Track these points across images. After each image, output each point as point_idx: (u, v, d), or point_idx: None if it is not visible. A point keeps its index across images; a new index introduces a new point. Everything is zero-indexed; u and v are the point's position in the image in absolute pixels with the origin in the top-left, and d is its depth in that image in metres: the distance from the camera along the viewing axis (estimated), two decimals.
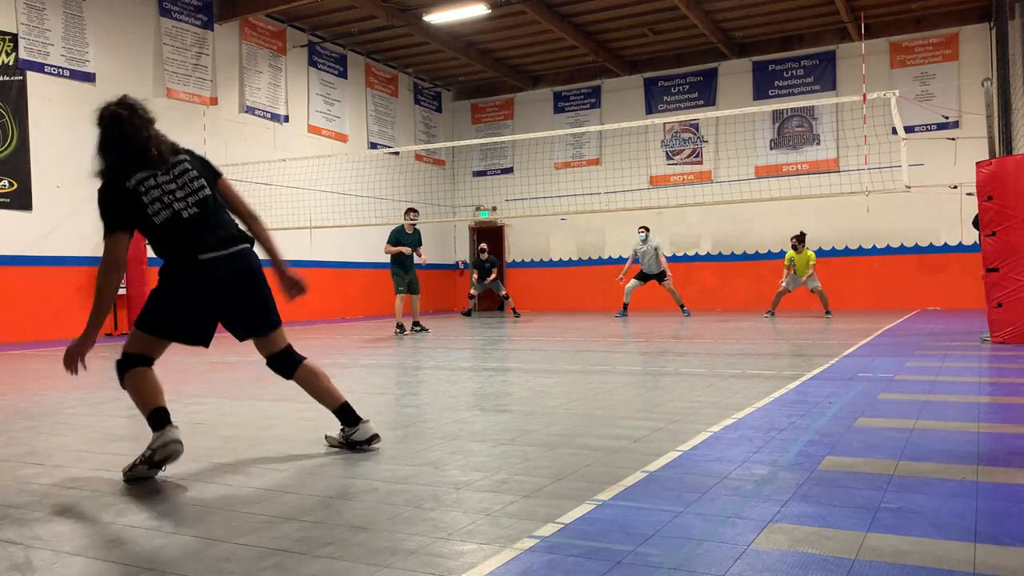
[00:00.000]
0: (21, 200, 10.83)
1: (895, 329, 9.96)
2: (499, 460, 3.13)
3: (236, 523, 2.37)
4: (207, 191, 3.22)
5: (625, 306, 14.60)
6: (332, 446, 3.45)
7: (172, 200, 3.13)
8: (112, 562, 2.05)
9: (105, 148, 3.17)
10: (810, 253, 13.37)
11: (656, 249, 14.36)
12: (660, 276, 14.37)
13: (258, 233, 3.39)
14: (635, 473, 2.84)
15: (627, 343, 8.97)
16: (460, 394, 5.07)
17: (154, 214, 3.10)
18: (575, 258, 19.01)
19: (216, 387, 5.62)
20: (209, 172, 3.32)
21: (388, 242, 11.39)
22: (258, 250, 3.33)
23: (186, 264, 3.12)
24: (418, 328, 11.25)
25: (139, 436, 3.91)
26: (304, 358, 3.39)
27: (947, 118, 15.15)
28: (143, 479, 2.97)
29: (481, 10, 13.82)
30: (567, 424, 3.88)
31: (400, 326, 11.09)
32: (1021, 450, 3.13)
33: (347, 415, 3.40)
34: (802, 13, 15.31)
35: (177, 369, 7.05)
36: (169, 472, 3.03)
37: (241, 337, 3.32)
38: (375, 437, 3.40)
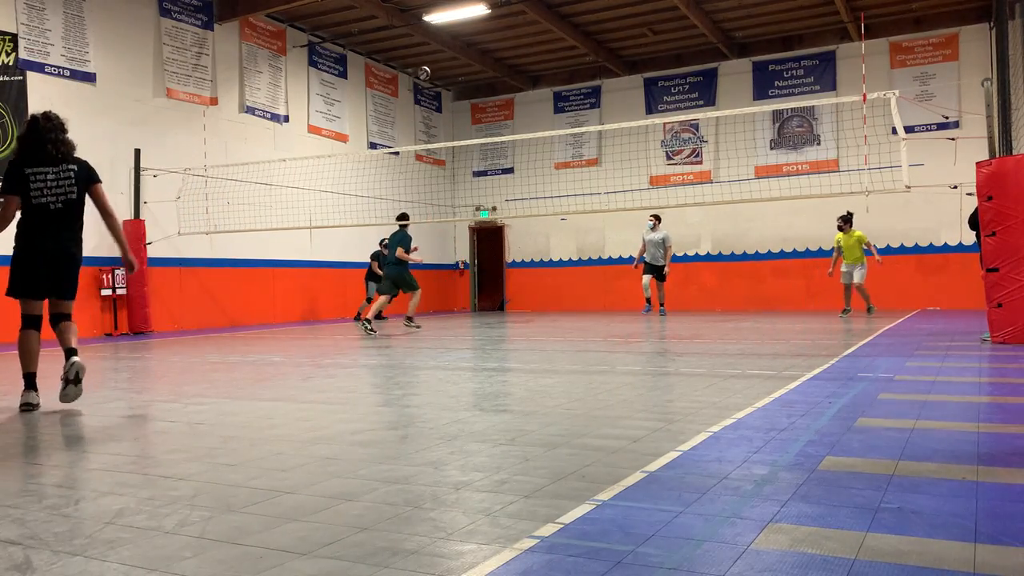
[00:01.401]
0: None
1: (895, 329, 9.96)
2: (499, 460, 3.13)
3: (236, 523, 2.37)
4: (75, 195, 4.71)
5: (648, 300, 14.49)
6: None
7: (48, 193, 4.64)
8: (110, 562, 2.06)
9: (21, 139, 4.79)
10: (859, 233, 12.80)
11: (664, 240, 14.25)
12: (661, 272, 14.31)
13: (110, 226, 4.90)
14: (635, 473, 2.84)
15: (626, 343, 8.97)
16: (460, 394, 5.07)
17: (33, 197, 4.62)
18: (575, 258, 19.02)
19: (216, 387, 5.63)
20: (89, 179, 4.80)
21: (403, 248, 11.25)
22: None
23: (33, 239, 4.64)
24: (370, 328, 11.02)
25: (138, 436, 3.92)
26: (70, 320, 4.83)
27: (947, 118, 15.15)
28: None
29: (481, 10, 13.82)
30: (567, 424, 3.88)
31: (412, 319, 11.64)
32: (1021, 450, 3.13)
33: (71, 351, 4.67)
34: (802, 13, 15.31)
35: (177, 369, 7.05)
36: (169, 472, 3.04)
37: (50, 295, 4.74)
38: (79, 369, 4.60)
